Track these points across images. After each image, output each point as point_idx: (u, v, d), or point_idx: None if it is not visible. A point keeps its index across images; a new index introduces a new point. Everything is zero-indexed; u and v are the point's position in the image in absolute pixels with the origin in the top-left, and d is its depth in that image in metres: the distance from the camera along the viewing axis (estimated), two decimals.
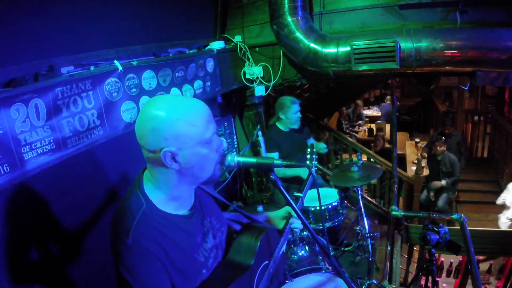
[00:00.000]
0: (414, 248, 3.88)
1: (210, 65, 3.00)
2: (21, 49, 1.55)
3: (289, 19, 3.03)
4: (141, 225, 1.03)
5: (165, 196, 1.11)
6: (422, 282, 2.89)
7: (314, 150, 1.97)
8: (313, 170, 1.59)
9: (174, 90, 2.51)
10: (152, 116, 1.01)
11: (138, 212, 1.04)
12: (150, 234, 1.03)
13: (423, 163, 5.62)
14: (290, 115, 3.30)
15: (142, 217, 1.04)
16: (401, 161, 6.57)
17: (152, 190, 1.10)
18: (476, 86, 7.90)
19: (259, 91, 3.65)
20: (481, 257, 3.97)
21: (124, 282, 1.01)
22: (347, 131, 8.53)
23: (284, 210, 1.54)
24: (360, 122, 9.36)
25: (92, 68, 1.87)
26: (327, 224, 2.91)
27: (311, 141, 3.73)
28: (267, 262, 1.40)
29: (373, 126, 8.94)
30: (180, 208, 1.16)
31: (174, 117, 1.01)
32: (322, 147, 3.62)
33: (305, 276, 2.20)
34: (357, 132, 8.91)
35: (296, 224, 1.51)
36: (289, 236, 1.52)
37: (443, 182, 5.23)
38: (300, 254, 2.42)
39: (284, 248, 1.51)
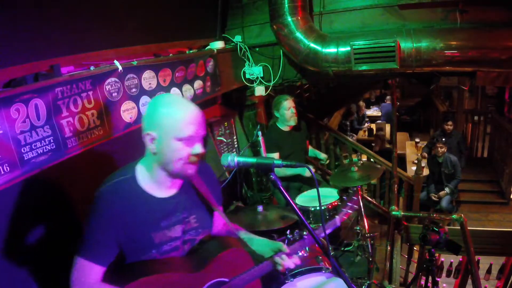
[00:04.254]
0: (414, 248, 3.87)
1: (210, 65, 3.00)
2: (21, 49, 1.55)
3: (289, 19, 3.03)
4: (114, 186, 1.27)
5: (149, 175, 1.32)
6: (422, 282, 2.89)
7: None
8: (312, 169, 1.58)
9: (174, 90, 2.51)
10: (149, 105, 1.31)
11: (119, 177, 1.29)
12: (117, 195, 1.25)
13: (423, 163, 5.61)
14: (283, 111, 3.30)
15: (119, 181, 1.28)
16: (401, 161, 6.55)
17: (142, 168, 1.33)
18: (476, 86, 7.90)
19: (259, 91, 3.65)
20: None
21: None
22: (349, 133, 8.54)
23: (278, 245, 1.51)
24: (367, 124, 9.43)
25: (92, 68, 1.87)
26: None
27: (311, 152, 3.73)
28: (226, 279, 1.39)
29: (373, 126, 8.94)
30: (158, 191, 1.33)
31: (161, 110, 1.25)
32: (323, 157, 3.62)
33: (305, 276, 2.20)
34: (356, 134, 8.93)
35: (281, 260, 1.45)
36: (269, 270, 1.47)
37: (447, 189, 5.25)
38: (300, 254, 2.41)
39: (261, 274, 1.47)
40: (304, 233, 1.61)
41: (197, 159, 1.27)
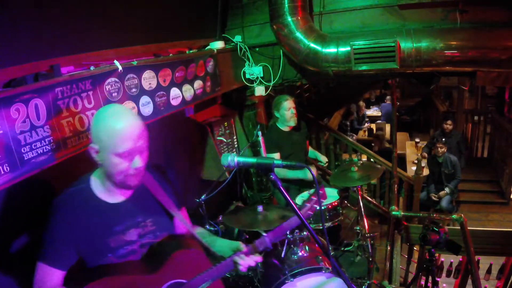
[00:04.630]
0: (414, 248, 3.88)
1: (210, 65, 3.00)
2: (21, 49, 1.55)
3: (289, 19, 3.03)
4: (69, 195, 1.34)
5: (101, 184, 1.38)
6: (422, 282, 2.89)
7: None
8: (312, 170, 1.56)
9: (174, 90, 2.51)
10: (94, 118, 1.32)
11: (75, 187, 1.36)
12: (72, 203, 1.32)
13: (423, 163, 5.61)
14: (283, 111, 3.29)
15: (74, 190, 1.35)
16: (401, 161, 6.55)
17: (95, 177, 1.39)
18: (476, 86, 7.90)
19: (259, 91, 3.65)
20: None
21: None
22: (349, 133, 8.54)
23: (237, 244, 1.50)
24: (367, 124, 9.44)
25: (92, 68, 1.87)
26: (327, 224, 2.91)
27: (311, 154, 3.72)
28: (183, 281, 1.39)
29: (373, 126, 8.95)
30: (111, 197, 1.38)
31: (100, 124, 1.27)
32: (323, 160, 3.62)
33: (305, 276, 2.20)
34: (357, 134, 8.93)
35: (240, 260, 1.43)
36: (230, 270, 1.46)
37: (447, 189, 5.25)
38: (300, 254, 2.41)
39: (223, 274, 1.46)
40: (263, 233, 1.59)
41: (137, 171, 1.32)
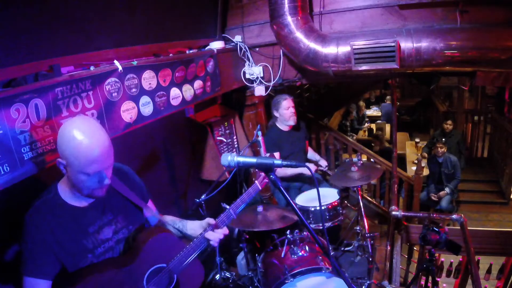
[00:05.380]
0: (414, 248, 3.88)
1: (210, 65, 3.00)
2: (21, 49, 1.55)
3: (289, 19, 3.03)
4: (40, 206, 1.35)
5: (69, 191, 1.40)
6: (422, 282, 2.89)
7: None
8: (312, 168, 1.58)
9: (174, 90, 2.51)
10: (60, 131, 1.30)
11: (44, 198, 1.38)
12: (44, 214, 1.34)
13: (423, 163, 5.61)
14: (282, 111, 3.30)
15: (44, 201, 1.37)
16: (401, 161, 6.56)
17: (62, 185, 1.41)
18: (476, 86, 7.89)
19: (259, 91, 3.65)
20: None
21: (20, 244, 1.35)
22: (349, 133, 8.54)
23: (205, 221, 1.61)
24: (367, 124, 9.45)
25: (92, 68, 1.87)
26: (327, 224, 2.91)
27: (311, 156, 3.71)
28: (164, 265, 1.48)
29: (373, 126, 8.95)
30: (79, 201, 1.42)
31: (68, 143, 1.26)
32: (322, 164, 3.62)
33: (305, 276, 2.20)
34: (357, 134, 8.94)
35: (210, 235, 1.54)
36: (204, 246, 1.57)
37: (447, 189, 5.25)
38: (300, 254, 2.41)
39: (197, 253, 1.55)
40: (227, 206, 1.70)
41: (105, 186, 1.36)
